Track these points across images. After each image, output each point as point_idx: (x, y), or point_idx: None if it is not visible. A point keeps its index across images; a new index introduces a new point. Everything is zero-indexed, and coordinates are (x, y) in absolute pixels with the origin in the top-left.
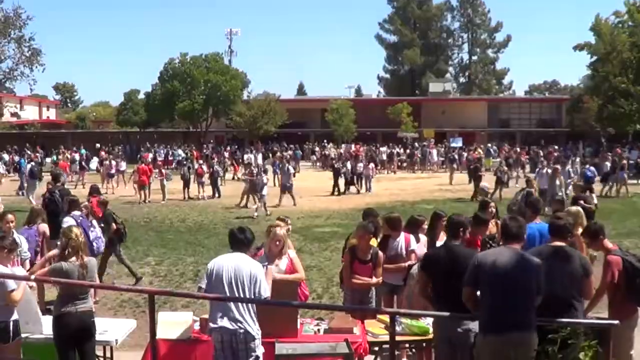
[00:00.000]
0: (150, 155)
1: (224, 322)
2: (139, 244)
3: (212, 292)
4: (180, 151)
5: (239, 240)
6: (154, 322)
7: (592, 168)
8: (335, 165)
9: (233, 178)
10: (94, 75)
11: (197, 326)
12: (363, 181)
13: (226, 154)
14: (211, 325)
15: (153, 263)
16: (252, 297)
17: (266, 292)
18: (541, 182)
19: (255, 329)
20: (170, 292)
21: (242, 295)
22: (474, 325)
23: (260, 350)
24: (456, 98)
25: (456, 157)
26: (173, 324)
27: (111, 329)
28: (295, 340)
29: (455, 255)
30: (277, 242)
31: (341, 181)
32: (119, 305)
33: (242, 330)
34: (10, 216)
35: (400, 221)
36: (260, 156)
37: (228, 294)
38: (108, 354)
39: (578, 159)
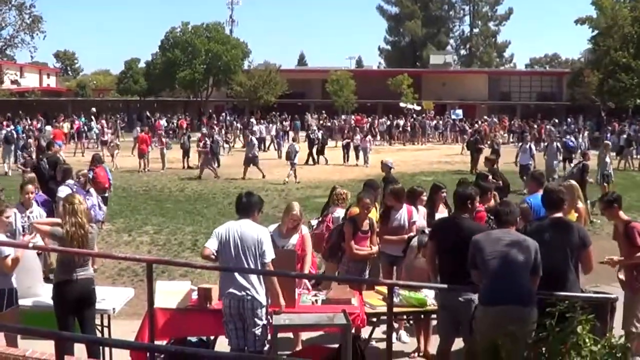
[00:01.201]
0: (162, 123)
1: (232, 289)
2: (138, 213)
3: (220, 257)
4: (163, 121)
5: (243, 205)
6: (151, 291)
7: (573, 139)
8: (311, 136)
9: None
10: (94, 44)
11: (194, 295)
12: (360, 153)
13: (239, 125)
14: (222, 291)
15: (152, 232)
16: (257, 262)
17: (269, 257)
18: (523, 157)
19: (262, 296)
20: (169, 261)
21: (248, 262)
22: (475, 296)
23: (265, 320)
24: (457, 70)
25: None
26: (171, 293)
27: (109, 297)
28: (293, 310)
29: (463, 228)
30: (293, 220)
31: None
32: (117, 274)
33: (249, 297)
34: (30, 187)
35: (404, 192)
36: (274, 127)
37: (235, 260)
38: (105, 322)
39: (586, 133)
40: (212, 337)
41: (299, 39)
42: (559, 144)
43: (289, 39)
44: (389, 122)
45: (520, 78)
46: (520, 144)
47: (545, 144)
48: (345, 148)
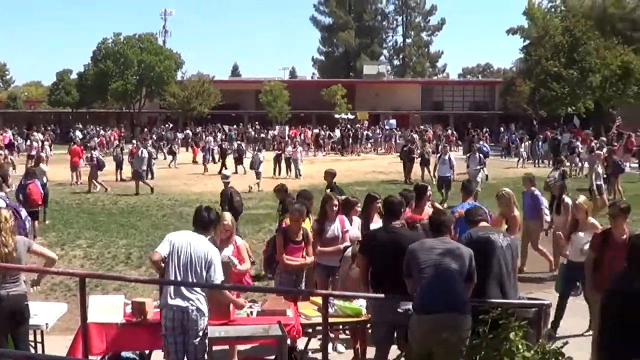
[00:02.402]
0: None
1: (177, 301)
2: (71, 227)
3: (167, 264)
4: (78, 132)
5: (202, 219)
6: (84, 305)
7: (486, 144)
8: (223, 147)
9: (194, 161)
10: (26, 55)
11: (128, 309)
12: (292, 165)
13: (180, 135)
14: (164, 302)
15: (85, 246)
16: (204, 279)
17: (219, 278)
18: (442, 169)
19: (204, 306)
20: (102, 275)
21: (193, 276)
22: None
23: (205, 330)
24: (390, 80)
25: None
26: (104, 307)
27: (42, 312)
28: (228, 322)
29: (400, 237)
30: (225, 230)
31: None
32: (49, 289)
33: (193, 307)
34: (4, 212)
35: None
36: (212, 139)
37: (181, 273)
38: (39, 338)
39: (528, 143)
40: (146, 352)
41: (233, 49)
42: (480, 154)
43: (222, 49)
44: (340, 133)
45: (453, 88)
46: (438, 155)
47: (467, 154)
48: (276, 160)
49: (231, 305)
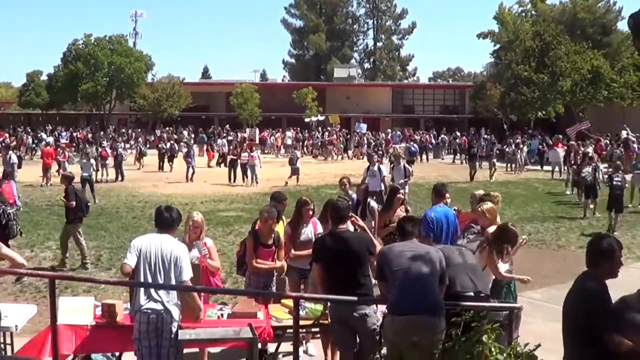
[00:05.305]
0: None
1: (151, 304)
2: (40, 228)
3: (136, 271)
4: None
5: (164, 219)
6: (54, 307)
7: (415, 145)
8: (159, 146)
9: (209, 165)
10: None
11: (98, 311)
12: (249, 171)
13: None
14: (137, 306)
15: (54, 247)
16: (174, 279)
17: (187, 275)
18: (372, 182)
19: (177, 309)
20: (72, 276)
21: (164, 277)
22: (370, 310)
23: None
24: (361, 84)
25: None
26: (74, 309)
27: (11, 314)
28: (199, 325)
29: (346, 240)
30: (195, 227)
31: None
32: (19, 291)
33: (167, 310)
34: None
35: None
36: (225, 142)
37: (150, 275)
38: (8, 340)
39: (525, 148)
40: (117, 354)
41: (203, 52)
42: (406, 164)
43: (193, 52)
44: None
45: (424, 91)
46: (368, 166)
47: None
48: (231, 165)
49: (202, 307)
